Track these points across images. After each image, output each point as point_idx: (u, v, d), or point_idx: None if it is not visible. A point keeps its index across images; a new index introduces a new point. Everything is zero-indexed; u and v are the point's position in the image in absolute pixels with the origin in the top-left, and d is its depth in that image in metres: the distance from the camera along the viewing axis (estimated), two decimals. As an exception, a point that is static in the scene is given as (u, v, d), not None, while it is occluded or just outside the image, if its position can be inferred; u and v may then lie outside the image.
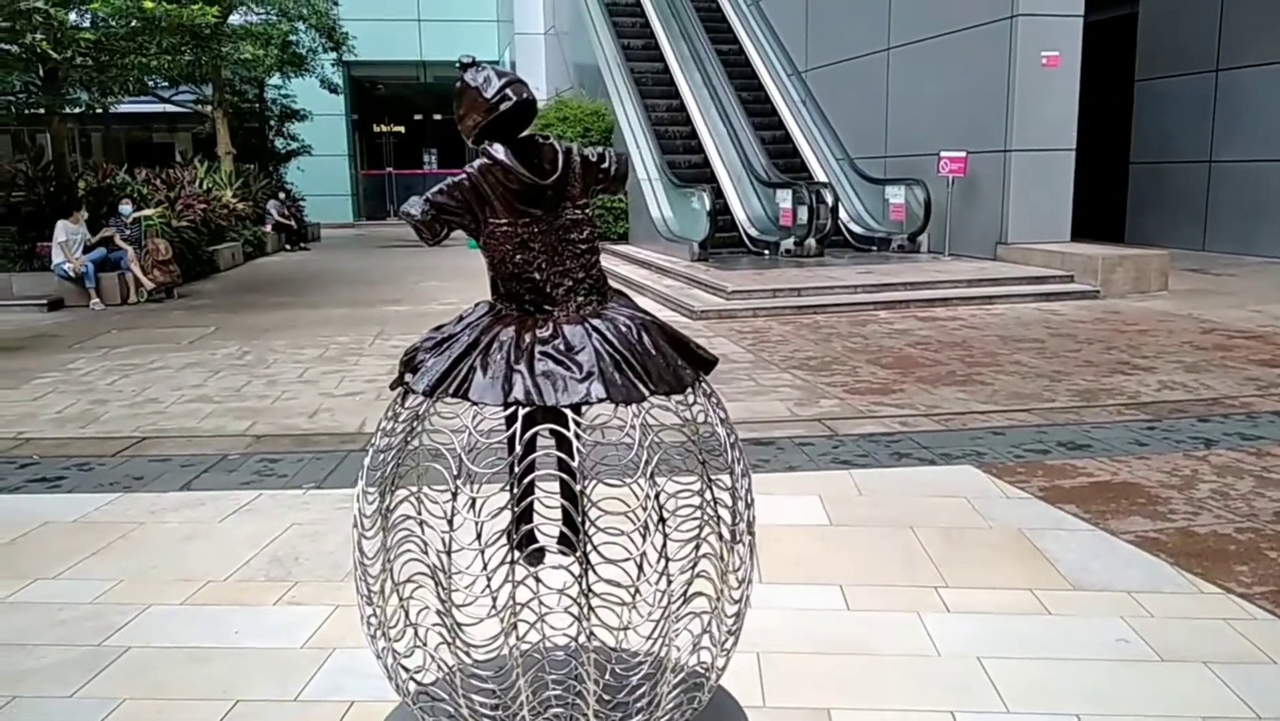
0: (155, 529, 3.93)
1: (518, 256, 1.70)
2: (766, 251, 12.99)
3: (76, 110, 14.16)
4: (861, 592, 3.19)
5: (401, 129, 31.36)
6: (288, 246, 18.89)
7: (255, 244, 17.04)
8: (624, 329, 1.70)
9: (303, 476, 4.58)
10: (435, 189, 1.69)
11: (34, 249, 11.73)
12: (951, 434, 5.09)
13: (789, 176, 13.81)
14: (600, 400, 1.61)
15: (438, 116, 30.25)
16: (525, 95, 1.72)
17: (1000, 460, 4.57)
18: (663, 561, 1.58)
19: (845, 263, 12.02)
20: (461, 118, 1.74)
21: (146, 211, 12.32)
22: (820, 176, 14.45)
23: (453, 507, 1.56)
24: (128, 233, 11.78)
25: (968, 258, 11.93)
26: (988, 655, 2.79)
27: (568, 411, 1.64)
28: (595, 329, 1.69)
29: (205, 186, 16.66)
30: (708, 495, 1.70)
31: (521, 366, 1.64)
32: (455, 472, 1.55)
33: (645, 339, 1.70)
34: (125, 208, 12.04)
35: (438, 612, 1.70)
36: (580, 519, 1.63)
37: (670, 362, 1.71)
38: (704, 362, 1.80)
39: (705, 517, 1.73)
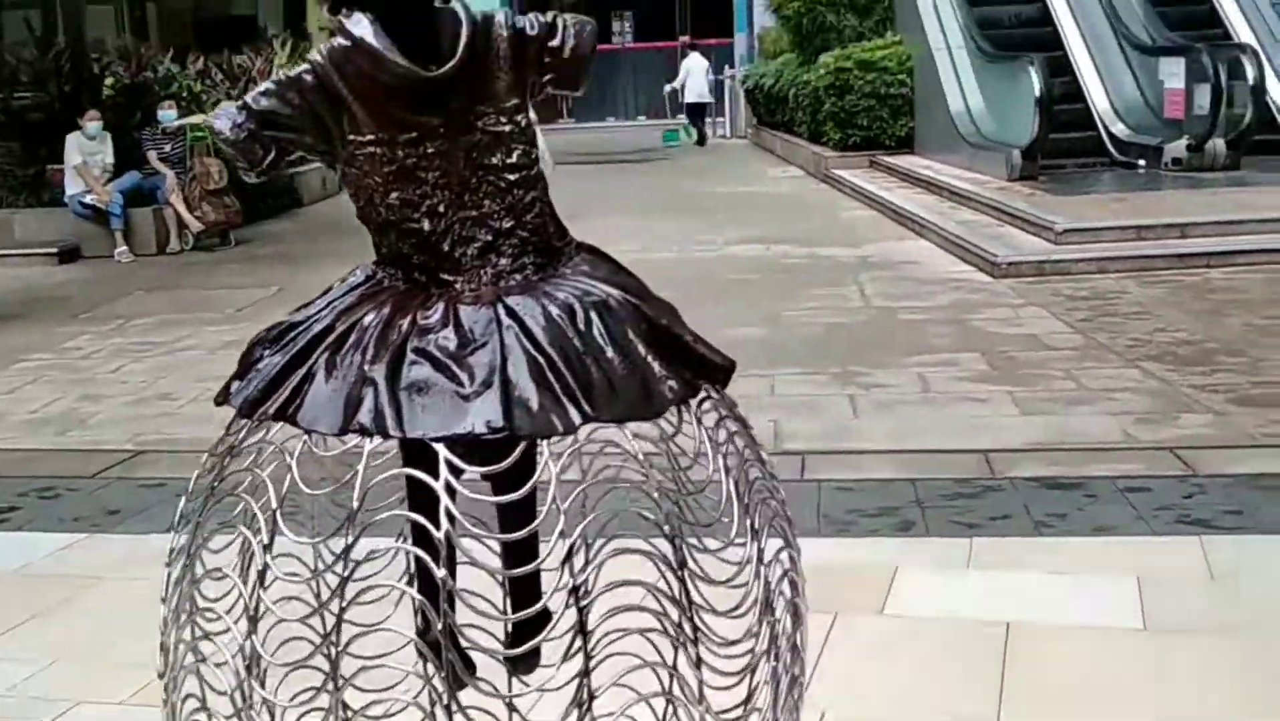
0: (118, 588, 4.21)
1: (393, 195, 1.67)
2: (1142, 162, 12.52)
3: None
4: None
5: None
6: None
7: (359, 162, 17.87)
8: (559, 315, 1.64)
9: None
10: (259, 88, 1.70)
11: (42, 173, 12.83)
12: None
13: (1187, 36, 13.06)
14: (494, 433, 1.56)
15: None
16: None
17: None
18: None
19: (1276, 179, 11.21)
20: None
21: (195, 118, 13.17)
22: (1242, 35, 13.63)
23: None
24: (168, 150, 12.74)
25: None
26: None
27: (441, 450, 1.59)
28: (510, 313, 1.64)
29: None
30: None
31: (378, 371, 1.62)
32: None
33: (598, 328, 1.64)
34: (166, 113, 13.00)
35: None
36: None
37: (639, 370, 1.65)
38: (708, 370, 1.74)
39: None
